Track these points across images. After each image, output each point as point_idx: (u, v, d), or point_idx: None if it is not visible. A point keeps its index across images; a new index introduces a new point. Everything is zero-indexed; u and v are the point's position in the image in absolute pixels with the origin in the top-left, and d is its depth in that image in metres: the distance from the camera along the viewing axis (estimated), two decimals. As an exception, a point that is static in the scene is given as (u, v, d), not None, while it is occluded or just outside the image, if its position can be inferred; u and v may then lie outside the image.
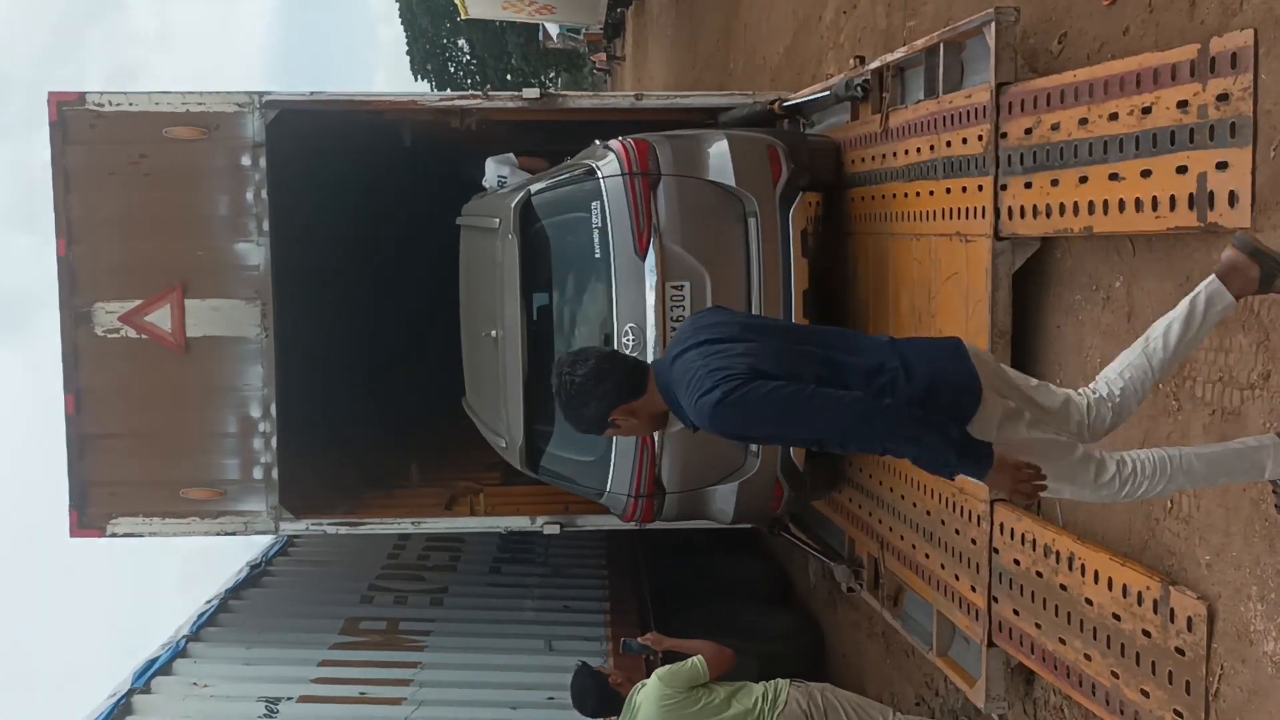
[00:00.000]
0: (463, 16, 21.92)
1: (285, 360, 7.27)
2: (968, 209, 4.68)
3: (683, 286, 5.49)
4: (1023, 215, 4.33)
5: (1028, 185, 4.29)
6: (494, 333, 6.45)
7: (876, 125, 5.53)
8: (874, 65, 5.64)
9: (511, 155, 8.46)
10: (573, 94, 7.39)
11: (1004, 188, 4.43)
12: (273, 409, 7.15)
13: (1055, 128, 4.10)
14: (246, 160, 7.09)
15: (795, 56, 9.35)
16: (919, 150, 5.07)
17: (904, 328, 5.37)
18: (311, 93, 7.31)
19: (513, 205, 6.15)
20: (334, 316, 9.79)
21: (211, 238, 7.11)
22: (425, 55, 42.89)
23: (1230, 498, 3.43)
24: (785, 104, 6.75)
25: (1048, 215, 4.18)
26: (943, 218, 4.92)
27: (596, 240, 5.66)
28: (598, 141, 6.03)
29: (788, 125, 6.98)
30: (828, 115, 6.61)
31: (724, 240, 5.55)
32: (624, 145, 5.60)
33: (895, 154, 5.35)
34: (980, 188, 4.57)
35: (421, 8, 41.04)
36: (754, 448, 5.56)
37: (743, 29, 12.12)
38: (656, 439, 5.47)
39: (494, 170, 8.44)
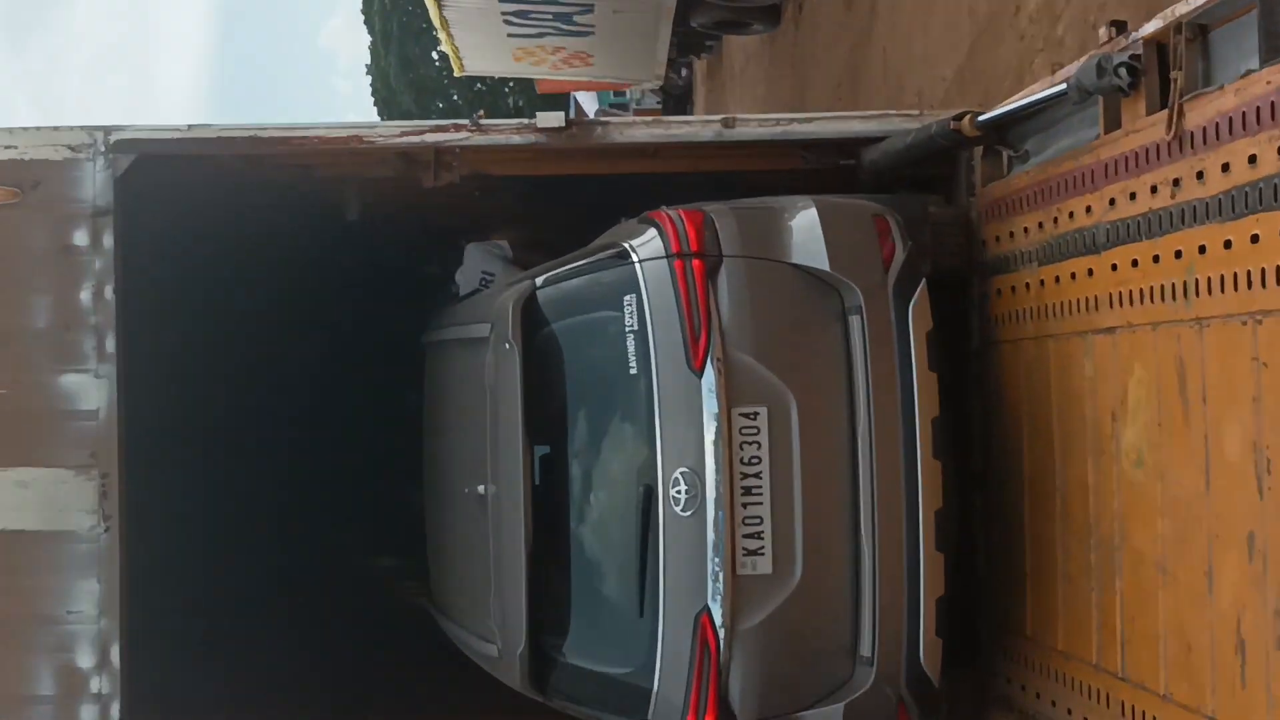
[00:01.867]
0: (458, 73, 21.64)
1: (141, 564, 6.87)
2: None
3: (757, 415, 5.65)
4: None
5: None
6: (482, 488, 6.64)
7: (1161, 130, 4.90)
8: (1150, 29, 5.00)
9: (505, 244, 8.50)
10: (620, 120, 6.65)
11: None
12: (115, 652, 6.64)
13: None
14: (81, 237, 6.69)
15: (976, 76, 9.10)
16: (1256, 161, 4.32)
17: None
18: (190, 126, 6.92)
19: (511, 303, 6.39)
20: (225, 485, 9.43)
21: (19, 366, 6.72)
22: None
23: None
24: (981, 119, 6.33)
25: None
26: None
27: (632, 350, 5.86)
28: (624, 219, 6.31)
29: (983, 157, 6.71)
30: (1056, 134, 6.11)
31: (815, 347, 5.81)
32: (669, 217, 5.85)
33: (1202, 174, 4.67)
34: None
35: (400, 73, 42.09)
36: (864, 651, 5.73)
37: (880, 56, 12.00)
38: (722, 636, 5.61)
39: (477, 261, 8.43)
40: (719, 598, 5.56)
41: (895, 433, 5.69)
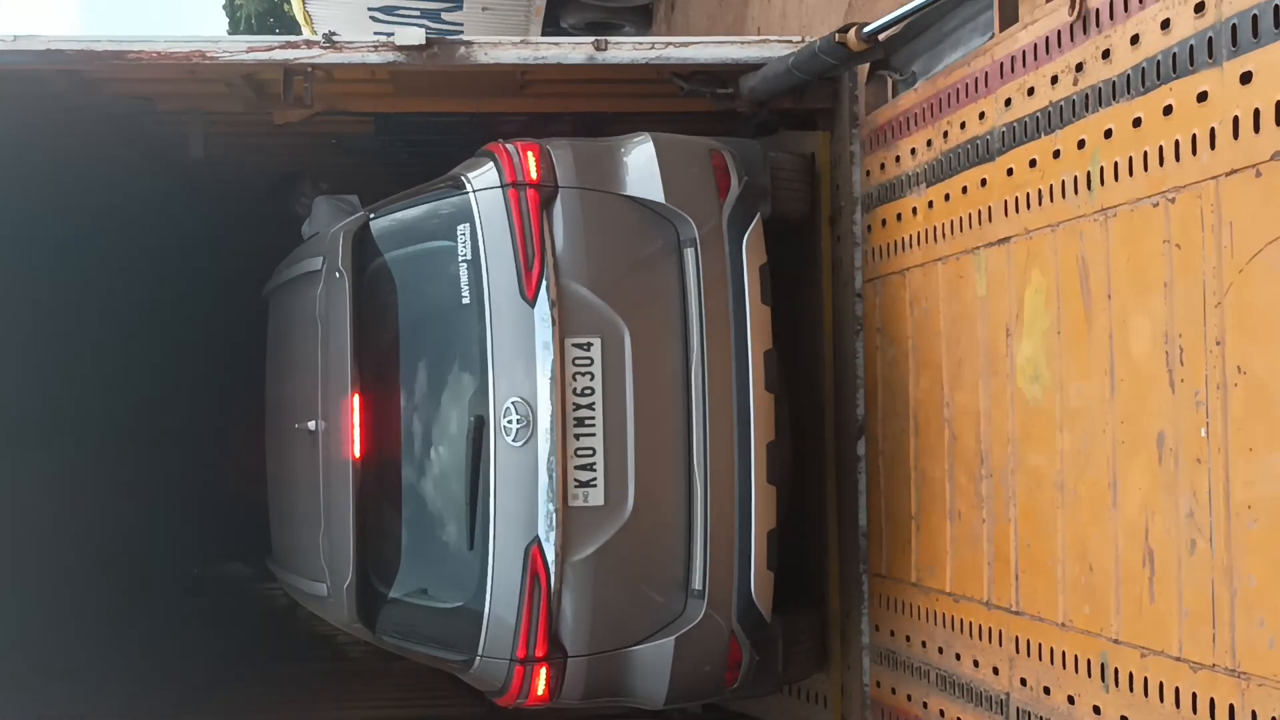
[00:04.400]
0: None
1: None
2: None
3: (590, 345, 5.75)
4: None
5: None
6: (312, 424, 6.68)
7: (1063, 15, 4.73)
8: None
9: (355, 199, 8.35)
10: (485, 40, 6.37)
11: None
12: None
13: None
14: None
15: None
16: (1170, 26, 4.10)
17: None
18: (15, 37, 6.07)
19: (343, 233, 6.47)
20: (49, 481, 8.67)
21: None
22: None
23: None
24: (868, 29, 6.11)
25: None
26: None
27: (465, 279, 5.95)
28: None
29: (867, 83, 6.64)
30: (944, 50, 5.96)
31: (649, 279, 5.93)
32: (505, 148, 5.98)
33: (1108, 52, 4.48)
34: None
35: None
36: (696, 584, 5.88)
37: (755, 32, 11.48)
38: (552, 568, 5.66)
39: (325, 216, 8.25)
40: (550, 529, 5.64)
41: (728, 365, 5.83)
